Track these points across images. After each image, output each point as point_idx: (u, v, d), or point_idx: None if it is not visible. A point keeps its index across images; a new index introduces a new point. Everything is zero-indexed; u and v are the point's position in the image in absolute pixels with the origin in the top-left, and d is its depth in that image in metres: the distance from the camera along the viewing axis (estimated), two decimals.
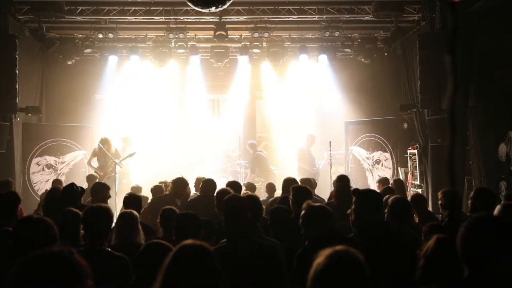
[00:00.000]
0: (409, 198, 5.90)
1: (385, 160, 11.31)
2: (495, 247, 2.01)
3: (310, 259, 1.92)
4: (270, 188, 8.01)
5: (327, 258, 1.83)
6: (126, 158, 9.97)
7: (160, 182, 7.42)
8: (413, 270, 3.23)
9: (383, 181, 8.18)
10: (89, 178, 9.12)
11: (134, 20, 10.37)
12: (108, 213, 3.59)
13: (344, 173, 8.94)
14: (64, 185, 7.30)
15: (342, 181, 5.83)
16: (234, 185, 5.97)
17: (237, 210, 3.46)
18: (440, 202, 5.41)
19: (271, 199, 6.65)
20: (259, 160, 11.50)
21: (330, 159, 10.81)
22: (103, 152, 9.99)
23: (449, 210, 4.78)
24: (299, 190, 4.72)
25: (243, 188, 6.98)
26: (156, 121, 12.64)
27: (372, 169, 11.50)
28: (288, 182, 5.68)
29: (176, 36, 10.80)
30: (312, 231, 3.47)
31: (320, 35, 11.13)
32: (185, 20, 10.48)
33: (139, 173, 10.92)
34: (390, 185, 7.85)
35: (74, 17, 9.97)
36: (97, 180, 9.28)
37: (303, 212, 3.58)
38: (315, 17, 10.33)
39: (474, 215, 2.17)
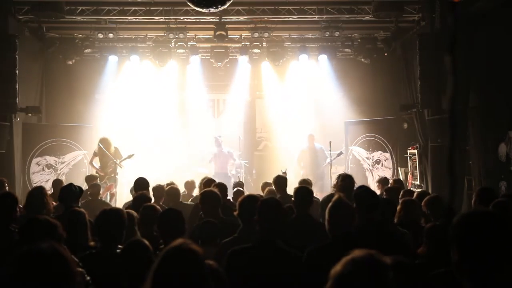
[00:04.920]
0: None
1: (385, 160, 11.30)
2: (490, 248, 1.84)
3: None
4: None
5: (349, 264, 1.75)
6: (125, 159, 9.94)
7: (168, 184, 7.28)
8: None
9: (382, 181, 8.18)
10: (88, 178, 9.05)
11: (134, 20, 10.36)
12: (120, 215, 3.56)
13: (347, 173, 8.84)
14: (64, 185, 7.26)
15: (346, 181, 5.68)
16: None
17: (273, 214, 3.32)
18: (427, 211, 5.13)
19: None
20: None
21: (330, 160, 10.81)
22: (103, 152, 9.97)
23: (445, 213, 4.77)
24: (299, 191, 4.72)
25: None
26: (156, 121, 12.65)
27: (372, 169, 11.49)
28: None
29: (176, 36, 10.80)
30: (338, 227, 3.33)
31: (320, 35, 11.13)
32: (185, 20, 10.47)
33: (139, 173, 10.87)
34: (390, 184, 7.84)
35: (74, 17, 9.96)
36: (98, 181, 9.27)
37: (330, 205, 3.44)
38: (315, 17, 10.32)
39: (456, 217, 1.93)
